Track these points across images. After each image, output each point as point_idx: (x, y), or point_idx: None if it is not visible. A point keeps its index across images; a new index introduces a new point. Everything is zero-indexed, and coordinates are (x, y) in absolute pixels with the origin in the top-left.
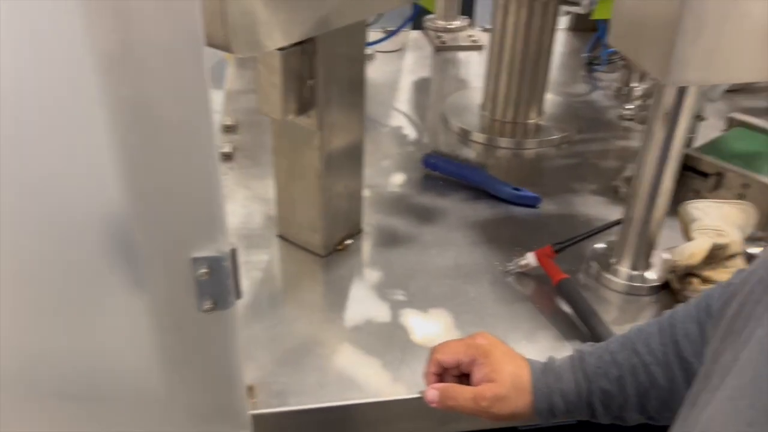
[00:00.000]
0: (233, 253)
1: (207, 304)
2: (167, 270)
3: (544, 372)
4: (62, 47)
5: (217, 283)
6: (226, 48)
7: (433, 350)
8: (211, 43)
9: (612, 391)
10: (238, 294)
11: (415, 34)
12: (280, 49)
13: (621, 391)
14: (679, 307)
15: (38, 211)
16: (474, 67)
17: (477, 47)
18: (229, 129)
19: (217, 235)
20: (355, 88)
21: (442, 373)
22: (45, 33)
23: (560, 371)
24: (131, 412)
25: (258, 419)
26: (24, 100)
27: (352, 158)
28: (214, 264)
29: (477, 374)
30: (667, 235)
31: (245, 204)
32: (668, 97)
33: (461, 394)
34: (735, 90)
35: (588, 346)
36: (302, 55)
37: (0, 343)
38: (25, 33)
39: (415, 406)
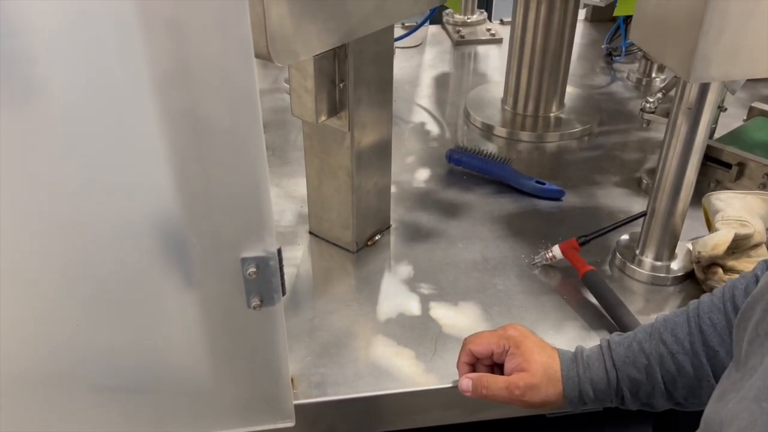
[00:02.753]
0: (279, 253)
1: (255, 301)
2: (218, 269)
3: (574, 361)
4: (124, 67)
5: (264, 281)
6: (266, 57)
7: (466, 341)
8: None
9: (640, 379)
10: (283, 291)
11: (434, 29)
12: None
13: (649, 379)
14: (705, 297)
15: (100, 215)
16: (493, 60)
17: (496, 41)
18: None
19: (264, 236)
20: (383, 87)
21: (474, 364)
22: (108, 55)
23: (589, 360)
24: (183, 403)
25: (300, 409)
26: (90, 116)
27: (381, 156)
28: (261, 263)
29: (509, 364)
30: (690, 225)
31: (277, 202)
32: (691, 92)
33: (495, 383)
34: (756, 78)
35: (616, 336)
36: (334, 59)
37: (62, 339)
38: (92, 56)
39: (448, 395)
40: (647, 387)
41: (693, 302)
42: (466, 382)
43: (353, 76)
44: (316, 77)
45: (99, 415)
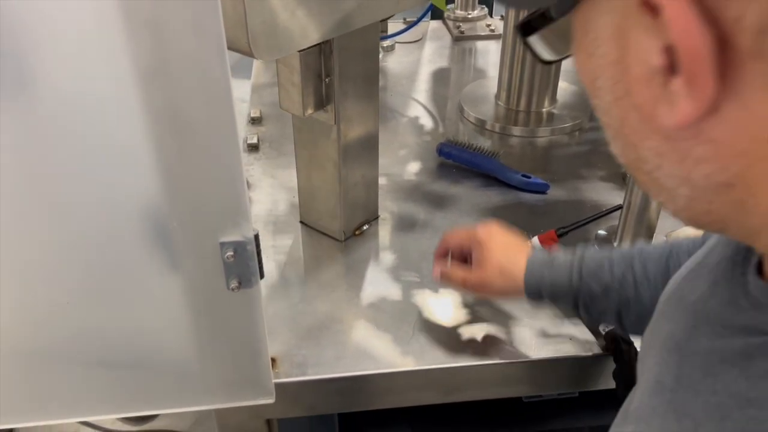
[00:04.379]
0: (256, 238)
1: (234, 284)
2: (198, 253)
3: (543, 263)
4: (107, 65)
5: (242, 264)
6: (248, 53)
7: (444, 235)
8: (235, 49)
9: (598, 295)
10: (261, 274)
11: (434, 24)
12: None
13: (605, 298)
14: (686, 242)
15: (87, 203)
16: (492, 56)
17: (495, 36)
18: (255, 121)
19: (241, 221)
20: (369, 81)
21: (447, 255)
22: (92, 53)
23: (558, 266)
24: (169, 379)
25: (281, 387)
26: (77, 110)
27: (368, 148)
28: (239, 248)
29: (472, 259)
30: (670, 218)
31: (271, 192)
32: None
33: (455, 274)
34: None
35: (593, 251)
36: (320, 54)
37: (54, 318)
38: (77, 54)
39: (424, 376)
40: (602, 304)
41: (675, 242)
42: (436, 270)
43: (339, 70)
44: (302, 72)
45: (89, 388)
